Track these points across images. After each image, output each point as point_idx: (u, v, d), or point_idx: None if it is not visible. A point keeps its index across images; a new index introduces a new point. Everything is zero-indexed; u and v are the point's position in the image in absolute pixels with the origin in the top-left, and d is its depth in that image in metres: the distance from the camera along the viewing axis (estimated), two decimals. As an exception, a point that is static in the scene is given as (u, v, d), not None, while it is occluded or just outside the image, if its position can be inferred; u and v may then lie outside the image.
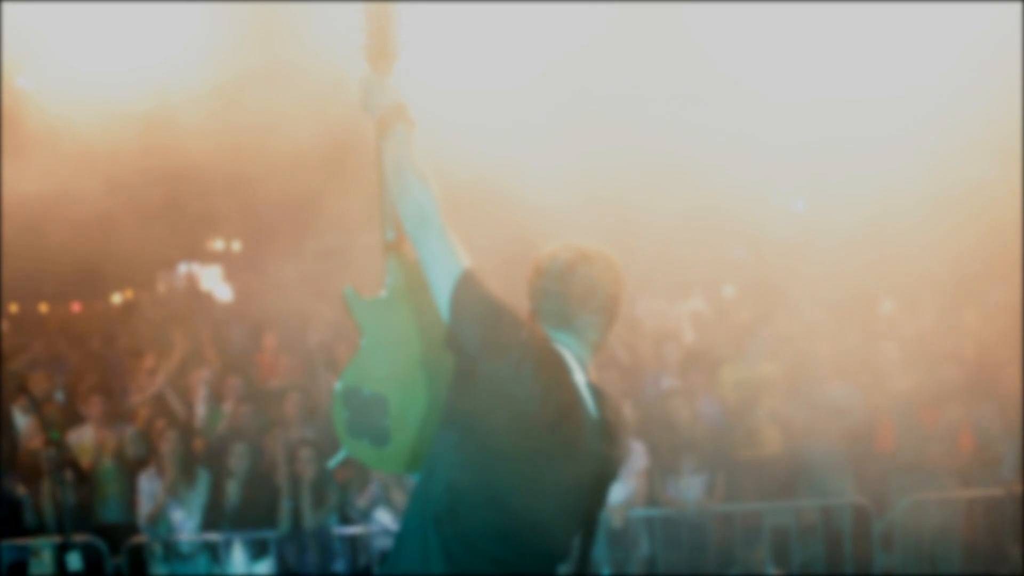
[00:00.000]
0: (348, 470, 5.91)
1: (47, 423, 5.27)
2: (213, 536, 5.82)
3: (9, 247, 6.90)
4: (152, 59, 5.42)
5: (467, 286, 2.11)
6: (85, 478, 6.20)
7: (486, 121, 4.81)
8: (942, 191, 6.49)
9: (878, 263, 7.24)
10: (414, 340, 2.37)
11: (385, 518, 5.95)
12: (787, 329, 7.39)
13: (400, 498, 5.71)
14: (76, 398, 7.02)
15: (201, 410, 6.69)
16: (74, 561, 4.42)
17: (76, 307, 12.46)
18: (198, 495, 5.89)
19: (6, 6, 5.11)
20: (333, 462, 2.52)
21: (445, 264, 2.14)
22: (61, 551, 5.33)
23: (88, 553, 5.71)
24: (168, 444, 5.88)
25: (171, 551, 5.83)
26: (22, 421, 6.73)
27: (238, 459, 5.97)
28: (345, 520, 6.03)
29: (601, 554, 5.92)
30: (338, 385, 2.37)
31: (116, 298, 13.03)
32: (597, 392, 2.19)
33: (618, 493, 5.91)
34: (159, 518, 5.80)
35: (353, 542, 6.01)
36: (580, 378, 2.15)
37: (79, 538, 5.67)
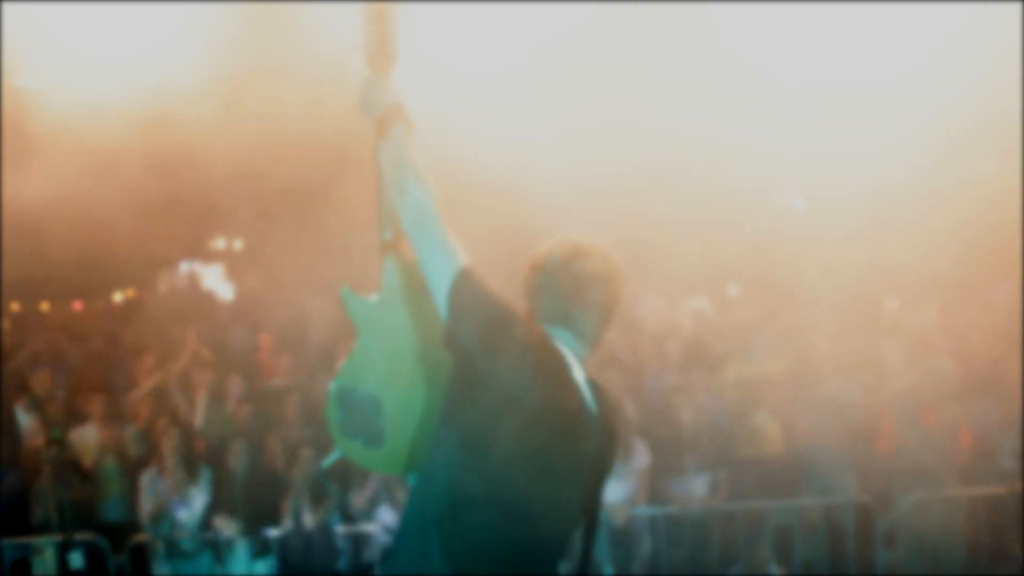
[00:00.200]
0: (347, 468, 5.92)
1: (49, 422, 5.27)
2: (215, 534, 5.82)
3: (10, 246, 6.90)
4: (153, 56, 5.42)
5: (465, 284, 2.11)
6: (87, 477, 6.21)
7: (489, 118, 4.80)
8: (944, 188, 6.48)
9: (881, 261, 7.23)
10: (411, 340, 2.36)
11: (387, 516, 5.95)
12: (789, 328, 7.38)
13: (403, 496, 5.72)
14: (77, 397, 7.02)
15: (202, 409, 6.69)
16: (76, 560, 4.42)
17: (77, 306, 12.46)
18: (200, 493, 5.89)
19: (6, 5, 5.11)
20: (326, 462, 2.52)
21: (443, 262, 2.14)
22: (63, 550, 5.33)
23: (90, 552, 5.71)
24: (170, 442, 5.89)
25: (173, 549, 5.82)
26: (24, 420, 6.73)
27: (237, 458, 5.97)
28: (347, 518, 6.03)
29: (603, 553, 5.91)
30: (332, 385, 2.37)
31: (118, 297, 13.03)
32: (596, 388, 2.19)
33: (620, 491, 5.91)
34: (161, 516, 5.80)
35: (355, 540, 6.01)
36: (579, 374, 2.15)
37: (81, 537, 5.68)
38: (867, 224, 7.37)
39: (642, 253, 6.12)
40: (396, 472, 2.42)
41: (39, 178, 5.87)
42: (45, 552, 5.85)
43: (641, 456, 6.05)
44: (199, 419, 6.64)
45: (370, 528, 5.96)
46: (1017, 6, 5.41)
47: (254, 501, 5.97)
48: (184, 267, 13.15)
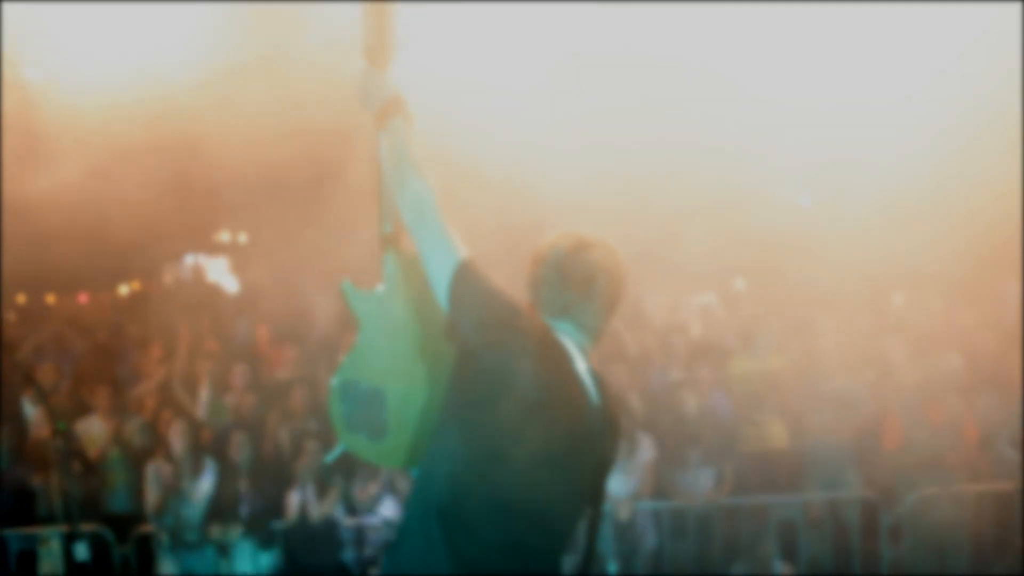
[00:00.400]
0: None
1: (54, 413, 5.29)
2: (219, 528, 5.83)
3: (17, 238, 6.91)
4: (159, 48, 5.41)
5: (466, 276, 2.11)
6: (92, 468, 6.23)
7: (497, 113, 4.79)
8: (952, 184, 6.45)
9: (887, 257, 7.21)
10: (413, 333, 2.36)
11: (390, 509, 5.96)
12: (795, 323, 7.37)
13: (406, 488, 5.72)
14: (83, 388, 7.03)
15: (205, 399, 6.70)
16: (81, 551, 4.43)
17: (83, 298, 12.48)
18: (205, 485, 5.90)
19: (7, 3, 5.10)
20: (330, 456, 2.53)
21: (443, 255, 2.15)
22: (69, 541, 5.34)
23: (96, 543, 5.73)
24: (177, 434, 5.90)
25: (178, 541, 5.84)
26: (30, 411, 6.75)
27: (239, 449, 5.97)
28: (352, 511, 6.04)
29: (607, 547, 5.92)
30: (335, 379, 2.37)
31: (123, 289, 13.05)
32: (598, 380, 2.19)
33: (625, 485, 5.91)
34: (166, 508, 5.81)
35: (360, 533, 6.02)
36: (581, 366, 2.15)
37: (87, 528, 5.69)
38: (874, 220, 7.35)
39: (649, 248, 6.11)
40: (399, 465, 2.42)
41: (45, 171, 5.87)
42: (51, 543, 5.87)
43: (646, 450, 6.04)
44: (201, 410, 6.64)
45: (375, 520, 5.96)
46: (1018, 6, 5.39)
47: (258, 493, 5.98)
48: (189, 260, 13.16)
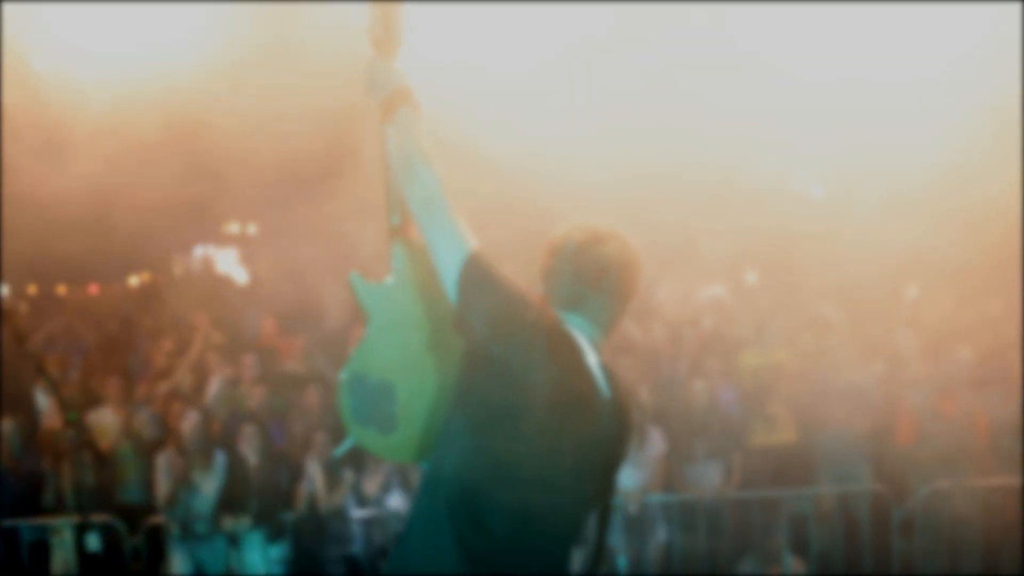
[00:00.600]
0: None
1: (66, 404, 5.30)
2: (229, 519, 5.84)
3: (27, 229, 6.92)
4: (167, 39, 5.40)
5: (474, 268, 2.10)
6: (104, 459, 6.26)
7: (507, 102, 4.77)
8: (965, 176, 6.40)
9: (900, 248, 7.16)
10: (422, 325, 2.34)
11: (398, 501, 5.96)
12: (806, 316, 7.33)
13: (415, 481, 5.72)
14: (93, 379, 7.06)
15: (213, 390, 6.71)
16: (92, 542, 4.45)
17: (94, 289, 12.53)
18: (215, 477, 5.92)
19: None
20: (339, 451, 2.51)
21: (452, 246, 2.13)
22: (80, 531, 5.37)
23: (107, 534, 5.75)
24: (187, 425, 5.91)
25: (188, 532, 5.86)
26: (43, 402, 6.78)
27: (248, 441, 5.98)
28: (362, 502, 6.04)
29: (617, 540, 5.91)
30: (344, 373, 2.35)
31: (133, 281, 13.11)
32: (609, 373, 2.17)
33: (635, 479, 5.90)
34: (176, 499, 5.83)
35: (370, 524, 6.02)
36: (592, 359, 2.13)
37: (98, 518, 5.72)
38: (887, 211, 7.30)
39: (660, 239, 6.09)
40: (409, 459, 2.40)
41: (55, 162, 5.88)
42: (63, 533, 5.90)
43: (656, 443, 6.03)
44: (209, 400, 6.65)
45: (384, 512, 5.97)
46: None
47: (268, 484, 5.99)
48: (199, 251, 13.20)
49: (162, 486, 5.91)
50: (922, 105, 5.70)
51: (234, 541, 5.90)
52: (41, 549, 6.00)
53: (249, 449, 5.98)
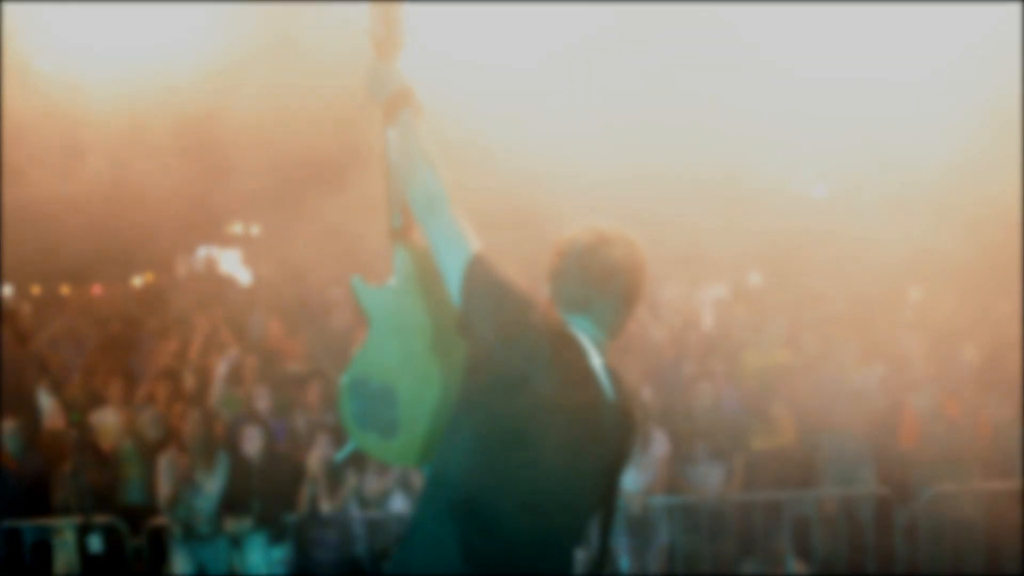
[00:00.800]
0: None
1: (68, 405, 5.30)
2: (231, 521, 5.84)
3: (31, 230, 6.93)
4: (172, 41, 5.40)
5: (478, 270, 2.09)
6: (106, 460, 6.25)
7: (511, 104, 4.76)
8: (969, 175, 6.39)
9: (903, 249, 7.15)
10: (425, 328, 2.33)
11: (401, 503, 5.95)
12: (808, 317, 7.32)
13: (418, 483, 5.71)
14: (96, 379, 7.06)
15: (217, 391, 6.71)
16: (95, 543, 4.45)
17: (97, 289, 12.54)
18: (217, 478, 5.91)
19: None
20: (341, 455, 2.50)
21: (455, 248, 2.12)
22: (83, 532, 5.37)
23: (109, 534, 5.75)
24: (190, 426, 5.91)
25: (191, 533, 5.85)
26: (46, 402, 6.78)
27: (251, 442, 5.98)
28: (364, 504, 6.04)
29: (620, 542, 5.89)
30: (345, 376, 2.34)
31: (137, 281, 13.12)
32: (614, 376, 2.16)
33: (638, 480, 5.89)
34: (178, 500, 5.82)
35: (372, 525, 6.02)
36: (596, 361, 2.13)
37: (101, 519, 5.72)
38: (890, 211, 7.29)
39: (665, 240, 6.08)
40: (411, 463, 2.39)
41: (59, 164, 5.88)
42: (65, 534, 5.90)
43: (659, 445, 6.02)
44: (213, 401, 6.65)
45: (387, 515, 5.96)
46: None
47: (270, 486, 5.98)
48: (202, 252, 13.20)
49: (164, 487, 5.90)
50: (924, 106, 5.69)
51: (236, 542, 5.89)
52: (44, 550, 5.99)
53: (252, 450, 5.98)
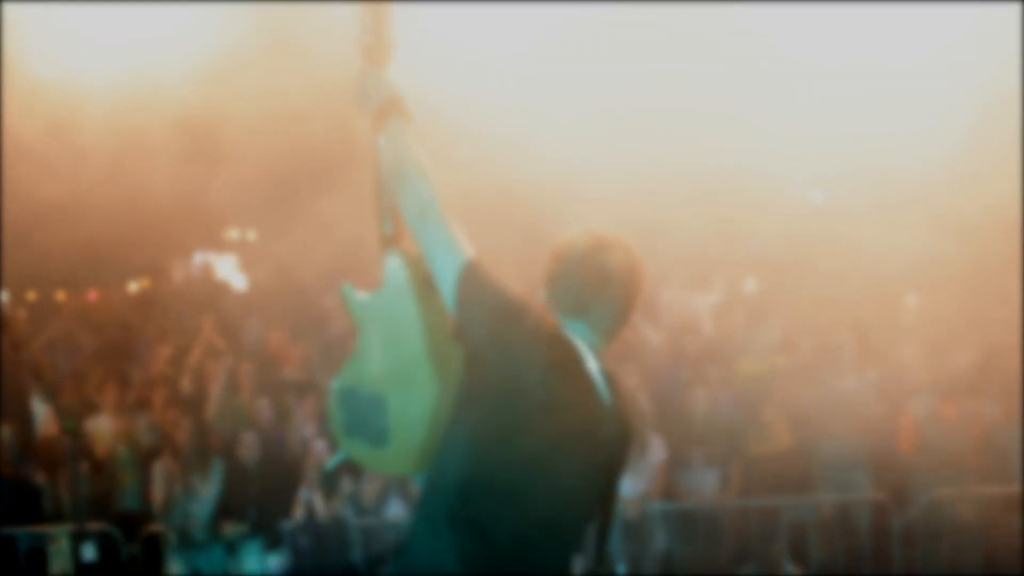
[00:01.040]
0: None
1: (63, 412, 5.29)
2: (227, 527, 5.82)
3: (27, 236, 6.92)
4: (167, 45, 5.40)
5: (471, 276, 2.09)
6: (100, 467, 6.23)
7: (511, 113, 4.77)
8: (964, 180, 6.40)
9: (899, 254, 7.16)
10: (416, 336, 2.31)
11: (397, 509, 5.94)
12: (804, 322, 7.32)
13: (414, 489, 5.70)
14: (90, 386, 7.03)
15: (216, 403, 6.69)
16: (88, 552, 4.43)
17: (93, 295, 12.51)
18: (213, 484, 5.90)
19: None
20: (330, 464, 2.48)
21: (448, 255, 2.12)
22: (77, 539, 5.35)
23: (104, 541, 5.73)
24: (184, 433, 5.89)
25: (186, 540, 5.83)
26: (40, 409, 6.76)
27: (248, 450, 5.96)
28: (360, 510, 6.02)
29: (617, 548, 5.88)
30: (334, 385, 2.33)
31: (132, 286, 13.08)
32: (610, 380, 2.16)
33: (635, 486, 5.88)
34: (173, 507, 5.80)
35: (368, 532, 6.00)
36: (592, 365, 2.12)
37: (95, 527, 5.70)
38: (886, 218, 7.30)
39: (661, 245, 6.09)
40: (403, 472, 2.37)
41: (55, 169, 5.87)
42: (59, 541, 5.87)
43: (656, 451, 6.01)
44: (212, 410, 6.63)
45: (383, 521, 5.95)
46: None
47: (266, 493, 5.97)
48: (198, 257, 13.17)
49: (159, 493, 5.88)
50: (920, 112, 5.70)
51: (232, 548, 5.88)
52: (38, 557, 5.97)
53: (248, 456, 5.96)
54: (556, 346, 2.07)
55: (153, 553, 5.96)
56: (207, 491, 5.87)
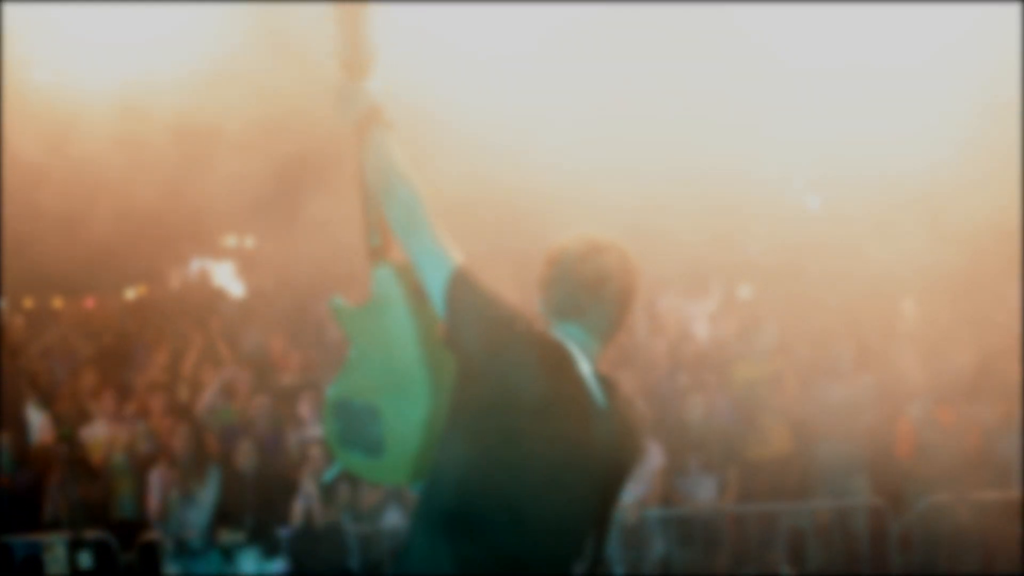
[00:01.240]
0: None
1: (59, 419, 5.27)
2: (224, 535, 5.80)
3: (25, 243, 6.91)
4: (164, 51, 5.40)
5: (460, 283, 2.09)
6: (97, 474, 6.22)
7: (506, 119, 4.77)
8: (961, 185, 6.41)
9: (895, 259, 7.17)
10: (409, 345, 2.30)
11: (395, 517, 5.93)
12: (801, 327, 7.32)
13: (412, 496, 5.68)
14: (87, 393, 7.02)
15: (207, 402, 6.67)
16: (85, 560, 4.42)
17: (90, 302, 12.50)
18: (210, 491, 5.88)
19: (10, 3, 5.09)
20: (328, 476, 2.47)
21: (436, 263, 2.12)
22: (74, 547, 5.33)
23: (100, 549, 5.71)
24: (180, 441, 5.87)
25: (183, 548, 5.81)
26: (36, 417, 6.74)
27: (245, 457, 5.95)
28: (358, 517, 6.01)
29: (615, 553, 5.88)
30: (328, 396, 2.33)
31: (129, 293, 13.07)
32: (606, 383, 2.15)
33: (633, 492, 5.88)
34: (169, 515, 5.79)
35: (366, 539, 5.99)
36: (585, 367, 2.12)
37: (92, 534, 5.68)
38: (881, 222, 7.31)
39: (658, 251, 6.09)
40: (400, 482, 2.35)
41: (52, 176, 5.87)
42: (56, 549, 5.86)
43: (655, 457, 6.01)
44: (202, 409, 6.60)
45: (381, 527, 5.93)
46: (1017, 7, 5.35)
47: (263, 500, 5.95)
48: (195, 264, 13.17)
49: (155, 501, 5.87)
50: (917, 116, 5.71)
51: (229, 556, 5.86)
52: (34, 565, 5.95)
53: (245, 463, 5.95)
54: (547, 350, 2.07)
55: (150, 561, 5.94)
56: (204, 498, 5.86)
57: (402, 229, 2.18)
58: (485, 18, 5.02)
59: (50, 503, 6.03)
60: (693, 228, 6.94)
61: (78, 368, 7.79)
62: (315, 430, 6.32)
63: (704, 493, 6.10)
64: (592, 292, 2.14)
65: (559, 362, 2.08)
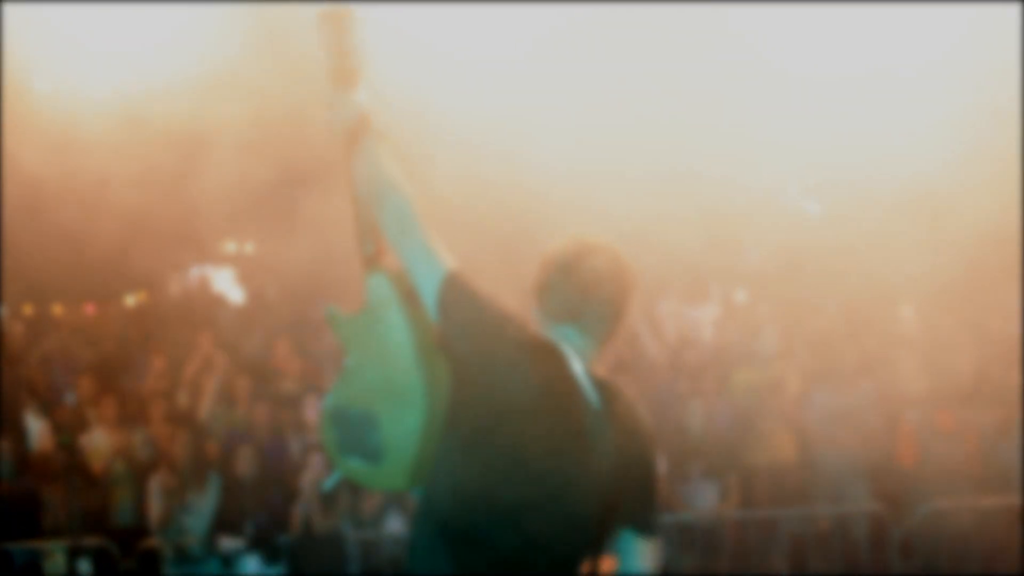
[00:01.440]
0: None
1: (59, 426, 5.27)
2: (224, 542, 5.79)
3: (24, 249, 6.91)
4: (163, 57, 5.41)
5: (453, 287, 2.10)
6: (96, 482, 6.21)
7: (502, 123, 4.78)
8: (960, 191, 6.42)
9: (895, 265, 7.17)
10: (405, 351, 2.30)
11: (396, 523, 5.92)
12: (801, 334, 7.32)
13: (412, 502, 5.68)
14: (87, 400, 7.01)
15: (207, 408, 6.66)
16: (84, 567, 4.41)
17: (90, 309, 12.49)
18: (209, 499, 5.87)
19: (9, 7, 5.10)
20: (328, 484, 2.47)
21: (429, 268, 2.13)
22: (74, 554, 5.33)
23: (100, 557, 5.70)
24: (180, 448, 5.87)
25: (183, 555, 5.80)
26: (34, 424, 6.73)
27: (246, 463, 5.94)
28: (358, 524, 6.00)
29: (614, 560, 5.86)
30: (326, 405, 2.33)
31: (129, 300, 13.06)
32: (602, 385, 2.15)
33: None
34: (169, 522, 5.78)
35: (366, 546, 5.97)
36: (578, 368, 2.12)
37: (91, 541, 5.67)
38: (880, 228, 7.31)
39: (655, 255, 6.08)
40: (400, 487, 2.35)
41: (51, 182, 5.88)
42: (55, 556, 5.85)
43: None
44: (203, 415, 6.59)
45: (381, 533, 5.92)
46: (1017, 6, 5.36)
47: (264, 507, 5.95)
48: (195, 270, 13.16)
49: (155, 508, 5.86)
50: (916, 120, 5.71)
51: (229, 563, 5.85)
52: (34, 572, 5.94)
53: (245, 470, 5.94)
54: (539, 351, 2.08)
55: (150, 568, 5.93)
56: (204, 505, 5.85)
57: (394, 235, 2.19)
58: (482, 21, 5.03)
59: (49, 510, 6.02)
60: (693, 233, 6.94)
61: (78, 375, 7.79)
62: (316, 436, 6.31)
63: (705, 499, 6.09)
64: (586, 294, 2.15)
65: (551, 362, 2.08)
